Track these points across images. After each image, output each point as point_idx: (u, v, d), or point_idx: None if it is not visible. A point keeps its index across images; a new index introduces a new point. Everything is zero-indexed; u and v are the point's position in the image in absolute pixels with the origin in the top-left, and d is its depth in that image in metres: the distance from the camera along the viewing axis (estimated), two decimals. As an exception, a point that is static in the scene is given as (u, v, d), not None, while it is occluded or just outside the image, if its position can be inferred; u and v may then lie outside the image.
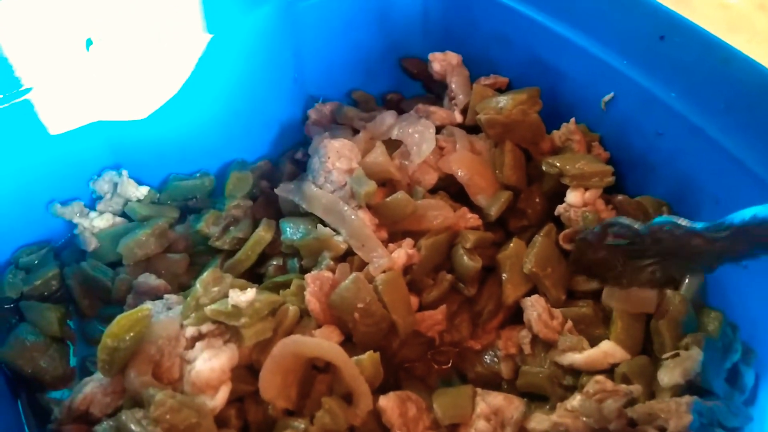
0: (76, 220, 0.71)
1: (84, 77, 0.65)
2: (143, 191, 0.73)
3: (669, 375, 0.55)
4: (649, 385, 0.57)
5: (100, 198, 0.73)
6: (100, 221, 0.71)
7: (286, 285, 0.64)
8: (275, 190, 0.71)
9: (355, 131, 0.76)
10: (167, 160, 0.75)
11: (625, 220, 0.57)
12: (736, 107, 0.58)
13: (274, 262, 0.68)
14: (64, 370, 0.65)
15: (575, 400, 0.53)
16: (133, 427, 0.51)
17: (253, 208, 0.74)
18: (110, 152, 0.72)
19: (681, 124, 0.62)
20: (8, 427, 0.60)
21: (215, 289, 0.58)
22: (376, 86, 0.86)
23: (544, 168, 0.67)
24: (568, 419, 0.52)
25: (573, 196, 0.66)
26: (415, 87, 0.87)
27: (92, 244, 0.70)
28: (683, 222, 0.51)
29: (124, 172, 0.73)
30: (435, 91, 0.84)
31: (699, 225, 0.51)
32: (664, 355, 0.56)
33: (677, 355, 0.56)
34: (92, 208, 0.73)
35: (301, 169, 0.76)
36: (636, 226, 0.56)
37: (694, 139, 0.61)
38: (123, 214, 0.73)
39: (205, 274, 0.58)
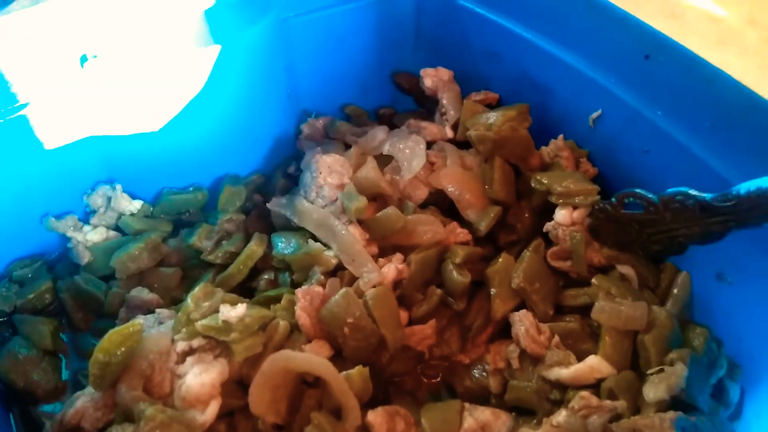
0: (69, 233, 0.72)
1: (79, 93, 0.66)
2: (137, 205, 0.74)
3: (654, 390, 0.56)
4: (635, 400, 0.57)
5: (94, 212, 0.73)
6: (94, 235, 0.72)
7: (277, 299, 0.64)
8: (267, 205, 0.72)
9: (347, 146, 0.77)
10: (160, 174, 0.75)
11: (640, 190, 0.60)
12: (720, 125, 0.59)
13: (266, 276, 0.69)
14: (57, 384, 0.66)
15: (561, 416, 0.54)
16: (123, 442, 0.51)
17: (245, 222, 0.75)
18: (104, 166, 0.73)
19: (667, 141, 0.63)
20: (0, 440, 0.61)
21: (206, 304, 0.58)
22: (369, 101, 0.87)
23: (532, 184, 0.67)
24: (553, 435, 0.53)
25: (561, 215, 0.66)
26: (407, 102, 0.88)
27: (86, 258, 0.71)
28: (693, 192, 0.56)
29: (118, 186, 0.73)
30: (426, 106, 0.85)
31: (708, 195, 0.55)
32: (650, 371, 0.57)
33: (662, 370, 0.57)
34: (86, 221, 0.73)
35: (293, 183, 0.77)
36: (649, 195, 0.59)
37: (679, 156, 0.62)
38: (116, 228, 0.74)
39: (196, 289, 0.59)
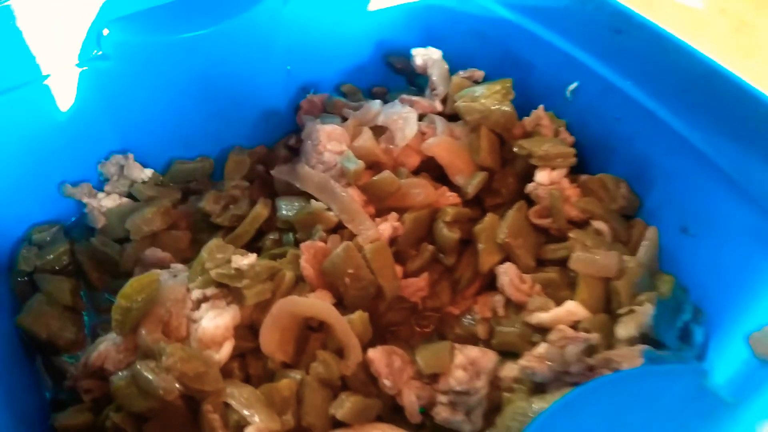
0: (85, 200, 0.77)
1: (96, 65, 0.71)
2: (148, 173, 0.79)
3: (625, 328, 0.62)
4: (608, 340, 0.63)
5: (107, 180, 0.79)
6: (108, 201, 0.77)
7: (282, 256, 0.70)
8: (271, 171, 0.77)
9: (344, 119, 0.83)
10: (170, 144, 0.81)
11: None
12: (683, 92, 0.65)
13: (271, 237, 0.74)
14: (77, 336, 0.70)
15: (541, 347, 0.60)
16: (147, 374, 0.57)
17: (250, 190, 0.80)
18: (117, 137, 0.78)
19: (636, 109, 0.69)
20: (27, 384, 0.66)
21: (219, 255, 0.64)
22: (363, 80, 0.93)
23: (515, 150, 0.73)
24: (534, 363, 0.59)
25: (541, 176, 0.73)
26: (399, 82, 0.94)
27: (101, 222, 0.76)
28: None
29: (130, 155, 0.78)
30: (417, 84, 0.91)
31: None
32: (620, 310, 0.63)
33: (632, 311, 0.63)
34: (100, 189, 0.79)
35: (294, 154, 0.83)
36: None
37: (647, 122, 0.68)
38: (129, 195, 0.79)
39: (210, 243, 0.65)
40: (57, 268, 0.74)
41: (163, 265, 0.71)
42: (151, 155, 0.80)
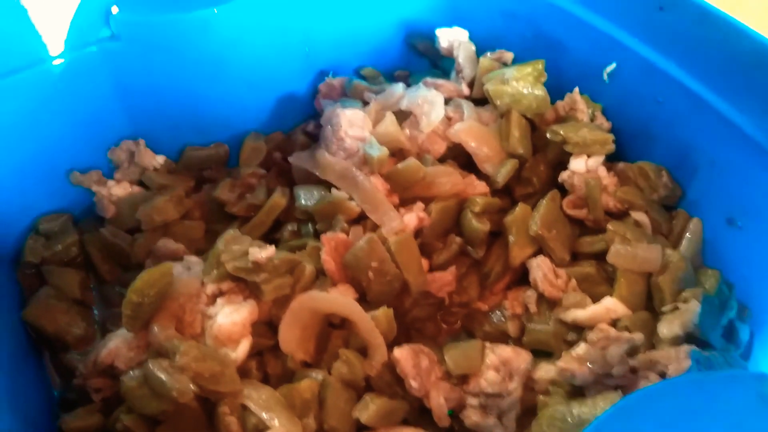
0: (94, 188, 0.73)
1: (105, 47, 0.67)
2: (160, 160, 0.75)
3: (668, 327, 0.58)
4: (650, 339, 0.59)
5: (118, 167, 0.75)
6: (118, 189, 0.74)
7: (301, 248, 0.66)
8: (289, 158, 0.73)
9: (365, 104, 0.78)
10: (183, 130, 0.77)
11: None
12: (732, 73, 0.61)
13: (289, 228, 0.71)
14: (86, 332, 0.67)
15: (580, 348, 0.56)
16: (159, 374, 0.53)
17: (266, 178, 0.76)
18: (128, 122, 0.74)
19: (679, 91, 0.64)
20: (34, 382, 0.63)
21: (236, 247, 0.60)
22: (384, 63, 0.88)
23: (548, 136, 0.69)
24: (573, 365, 0.55)
25: (576, 164, 0.68)
26: (422, 64, 0.89)
27: (110, 211, 0.73)
28: None
29: (141, 141, 0.75)
30: (441, 67, 0.87)
31: None
32: (664, 308, 0.59)
33: (677, 308, 0.59)
34: (110, 177, 0.75)
35: (313, 141, 0.79)
36: None
37: (691, 105, 0.64)
38: (140, 183, 0.76)
39: (225, 234, 0.61)
40: (65, 259, 0.71)
41: (176, 257, 0.67)
42: (163, 141, 0.77)
